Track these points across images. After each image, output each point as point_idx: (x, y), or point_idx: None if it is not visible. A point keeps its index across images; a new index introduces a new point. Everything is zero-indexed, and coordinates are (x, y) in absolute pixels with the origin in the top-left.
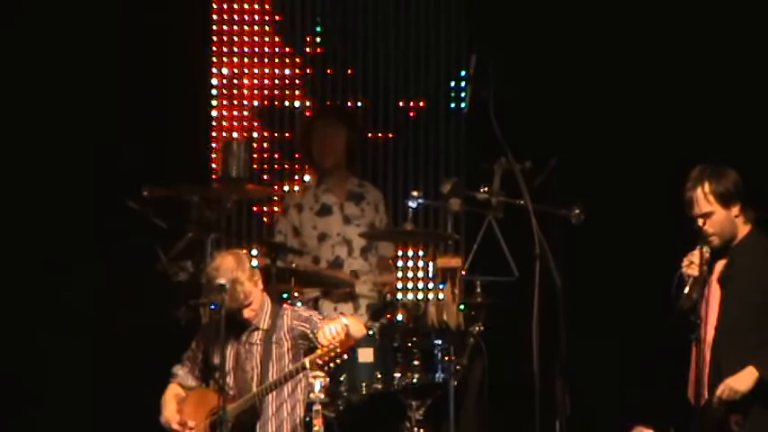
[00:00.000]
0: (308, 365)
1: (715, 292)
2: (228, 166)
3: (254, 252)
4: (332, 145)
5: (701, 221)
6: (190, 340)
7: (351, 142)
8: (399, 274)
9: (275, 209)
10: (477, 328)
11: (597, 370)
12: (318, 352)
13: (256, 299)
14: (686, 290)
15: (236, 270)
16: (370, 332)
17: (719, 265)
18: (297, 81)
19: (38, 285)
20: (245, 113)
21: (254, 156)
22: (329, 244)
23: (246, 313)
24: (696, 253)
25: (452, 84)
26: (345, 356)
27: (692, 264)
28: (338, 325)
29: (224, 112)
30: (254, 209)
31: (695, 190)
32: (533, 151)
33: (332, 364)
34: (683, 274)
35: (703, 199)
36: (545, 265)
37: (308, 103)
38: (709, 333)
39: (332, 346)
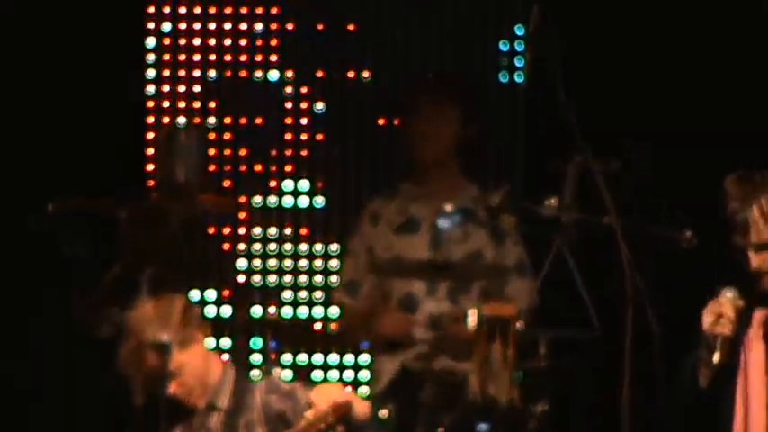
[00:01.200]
0: None
1: (758, 360)
2: (171, 167)
3: (211, 295)
4: (437, 134)
5: (758, 256)
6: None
7: (467, 133)
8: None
9: (242, 230)
10: (541, 407)
11: None
12: (302, 423)
13: (209, 369)
14: (714, 357)
15: (156, 322)
16: (382, 415)
17: (762, 317)
18: (272, 42)
19: None
20: (196, 89)
21: (211, 151)
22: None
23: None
24: (727, 301)
25: (503, 47)
26: None
27: (720, 318)
28: (338, 390)
29: (165, 88)
30: (210, 230)
31: (754, 206)
32: (617, 145)
33: None
34: (709, 335)
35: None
36: (639, 311)
37: (289, 75)
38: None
39: (321, 417)
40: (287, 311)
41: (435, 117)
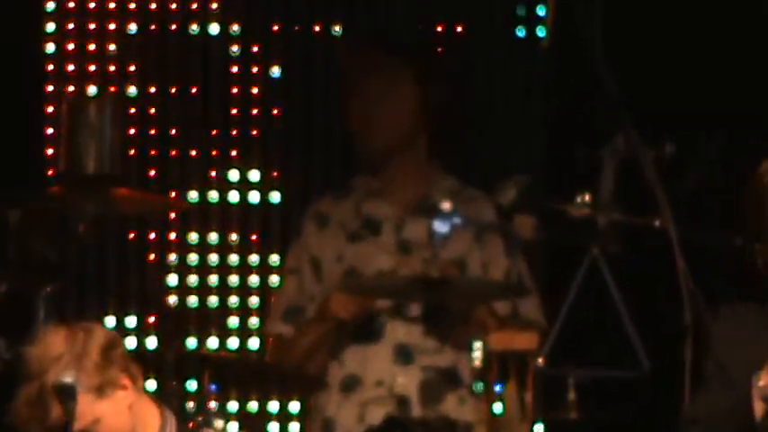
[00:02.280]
0: None
1: None
2: (79, 152)
3: (131, 322)
4: (381, 107)
5: None
6: None
7: (431, 99)
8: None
9: (173, 236)
10: None
11: None
12: None
13: (140, 425)
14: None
15: (66, 358)
16: None
17: None
18: None
19: None
20: (111, 48)
21: (131, 130)
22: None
23: None
24: None
25: None
26: None
27: None
28: None
29: (69, 46)
30: (129, 236)
31: None
32: (673, 125)
33: None
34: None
35: None
36: (699, 342)
37: (235, 29)
38: None
39: None
40: (233, 343)
41: (374, 83)
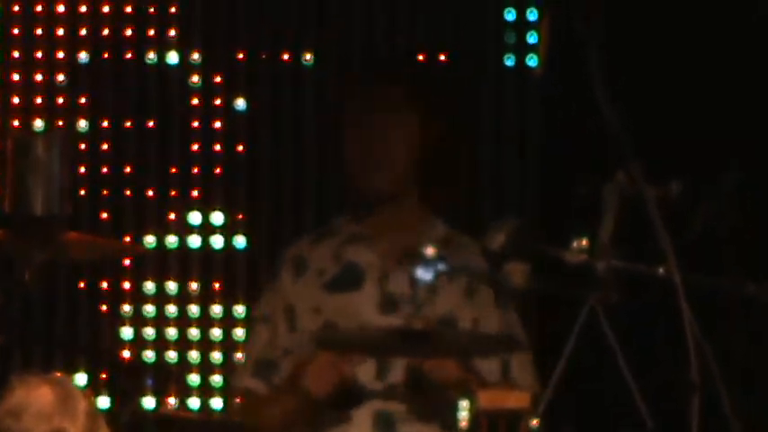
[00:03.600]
0: None
1: None
2: (25, 192)
3: (81, 379)
4: (387, 144)
5: None
6: None
7: (428, 139)
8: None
9: (127, 285)
10: None
11: None
12: None
13: None
14: None
15: (58, 415)
16: None
17: None
18: (171, 9)
19: None
20: (60, 78)
21: (81, 169)
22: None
23: None
24: None
25: (508, 16)
26: None
27: None
28: None
29: (14, 77)
30: (79, 285)
31: None
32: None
33: None
34: None
35: None
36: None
37: (196, 57)
38: None
39: None
40: (194, 403)
41: (379, 117)
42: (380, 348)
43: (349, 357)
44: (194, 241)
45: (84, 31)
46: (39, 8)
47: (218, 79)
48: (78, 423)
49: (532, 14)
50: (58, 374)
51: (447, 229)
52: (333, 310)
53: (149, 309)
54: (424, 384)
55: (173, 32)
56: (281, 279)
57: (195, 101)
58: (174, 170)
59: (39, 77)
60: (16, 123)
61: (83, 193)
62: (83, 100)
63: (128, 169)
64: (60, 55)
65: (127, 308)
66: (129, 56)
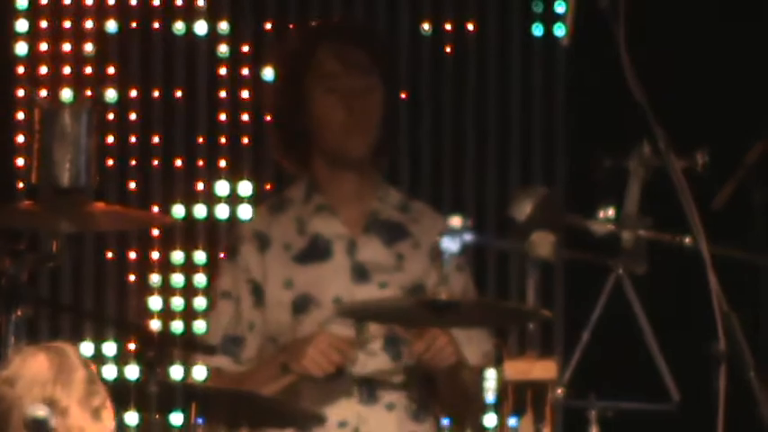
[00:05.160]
0: None
1: None
2: (52, 163)
3: (110, 350)
4: (368, 108)
5: None
6: None
7: (389, 107)
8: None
9: (155, 255)
10: None
11: None
12: None
13: None
14: None
15: (51, 383)
16: None
17: None
18: None
19: None
20: (88, 48)
21: (109, 138)
22: (313, 319)
23: None
24: None
25: None
26: None
27: None
28: None
29: (42, 46)
30: (107, 255)
31: None
32: (702, 133)
33: None
34: None
35: None
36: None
37: (224, 27)
38: None
39: None
40: None
41: (358, 80)
42: (407, 319)
43: (354, 338)
44: (222, 211)
45: (112, 1)
46: None
47: (245, 49)
48: (73, 392)
49: None
50: (59, 343)
51: (401, 195)
52: (305, 282)
53: (177, 279)
54: (422, 385)
55: (201, 2)
56: (242, 255)
57: (223, 70)
58: (201, 140)
59: (67, 47)
60: (44, 94)
61: (110, 163)
62: (111, 70)
63: (155, 139)
64: (88, 25)
65: (155, 278)
66: (156, 26)
